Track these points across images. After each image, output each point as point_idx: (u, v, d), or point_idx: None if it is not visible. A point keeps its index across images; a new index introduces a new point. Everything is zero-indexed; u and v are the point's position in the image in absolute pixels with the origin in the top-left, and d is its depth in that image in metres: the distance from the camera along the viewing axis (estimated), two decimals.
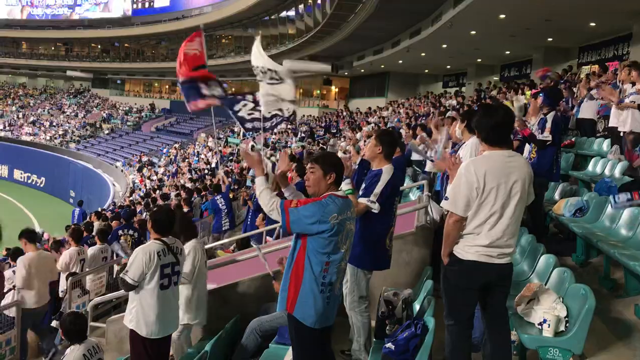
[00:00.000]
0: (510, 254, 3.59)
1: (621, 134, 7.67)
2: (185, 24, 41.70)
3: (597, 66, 13.92)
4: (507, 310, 3.80)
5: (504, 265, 3.57)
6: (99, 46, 52.80)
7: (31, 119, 47.99)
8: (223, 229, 12.04)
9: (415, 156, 9.92)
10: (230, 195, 13.32)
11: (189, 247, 5.28)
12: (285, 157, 4.09)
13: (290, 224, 3.48)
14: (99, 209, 19.36)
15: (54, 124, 47.03)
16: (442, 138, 6.57)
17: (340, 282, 3.67)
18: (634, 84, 7.62)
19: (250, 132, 28.11)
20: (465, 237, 3.56)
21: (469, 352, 3.74)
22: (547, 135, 6.28)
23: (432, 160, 7.65)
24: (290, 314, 3.56)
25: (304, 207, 3.47)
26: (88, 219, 15.98)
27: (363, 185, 4.55)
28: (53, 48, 53.88)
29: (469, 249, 3.54)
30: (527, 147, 6.63)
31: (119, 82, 55.78)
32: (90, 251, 8.94)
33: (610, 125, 8.31)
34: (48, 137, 43.97)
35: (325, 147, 21.21)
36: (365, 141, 13.40)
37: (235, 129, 36.25)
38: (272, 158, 20.40)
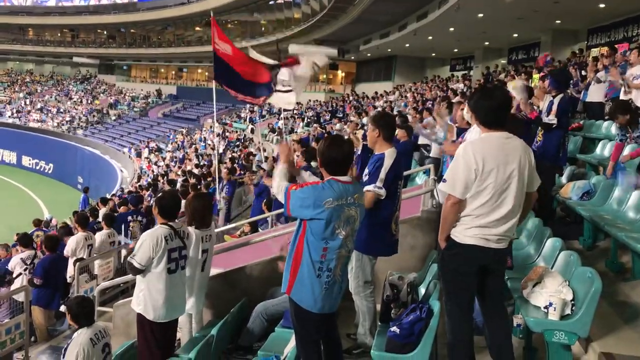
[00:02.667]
0: (509, 238, 3.57)
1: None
2: (192, 8, 41.55)
3: (606, 48, 13.74)
4: (502, 293, 3.81)
5: (501, 250, 3.55)
6: (105, 32, 52.73)
7: (38, 105, 48.13)
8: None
9: (422, 140, 9.87)
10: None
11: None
12: (284, 148, 4.02)
13: (290, 207, 3.51)
14: (107, 195, 19.43)
15: (61, 110, 47.15)
16: (444, 123, 6.53)
17: (342, 269, 3.61)
18: None
19: (257, 118, 28.15)
20: (463, 220, 3.52)
21: (471, 336, 3.73)
22: (552, 118, 6.23)
23: (440, 144, 7.60)
24: (289, 296, 3.61)
25: (301, 189, 3.49)
26: (95, 205, 16.04)
27: (366, 171, 4.50)
28: (59, 34, 53.87)
29: (467, 232, 3.51)
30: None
31: (125, 68, 55.78)
32: (99, 237, 8.99)
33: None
34: (55, 124, 44.11)
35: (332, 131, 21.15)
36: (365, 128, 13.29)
37: (242, 115, 36.23)
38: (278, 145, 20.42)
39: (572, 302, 3.86)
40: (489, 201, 3.45)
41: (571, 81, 10.37)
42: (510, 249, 3.72)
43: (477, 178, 3.42)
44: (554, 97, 6.48)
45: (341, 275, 3.64)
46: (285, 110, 9.16)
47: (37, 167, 40.63)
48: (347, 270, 3.76)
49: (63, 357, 4.51)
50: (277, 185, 3.64)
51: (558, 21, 19.60)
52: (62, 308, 7.67)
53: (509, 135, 3.54)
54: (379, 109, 22.50)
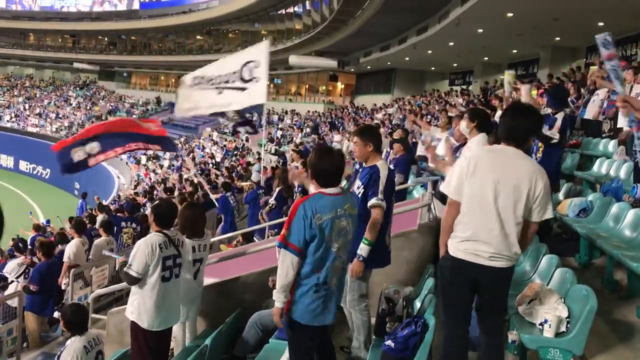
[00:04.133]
0: (507, 259, 3.42)
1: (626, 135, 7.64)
2: (193, 17, 41.72)
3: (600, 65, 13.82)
4: (499, 314, 3.65)
5: (496, 270, 3.42)
6: (106, 39, 52.86)
7: (37, 110, 48.10)
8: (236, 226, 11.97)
9: (419, 151, 9.90)
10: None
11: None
12: (298, 175, 4.01)
13: (301, 248, 3.44)
14: (102, 202, 19.38)
15: (60, 115, 47.13)
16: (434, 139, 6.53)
17: (338, 280, 3.59)
18: None
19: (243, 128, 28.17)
20: (456, 230, 3.49)
21: (463, 351, 3.64)
22: (554, 133, 6.23)
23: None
24: (285, 312, 3.55)
25: (290, 229, 3.45)
26: (92, 212, 16.00)
27: (359, 183, 4.47)
28: (60, 40, 53.99)
29: (457, 245, 3.47)
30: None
31: (125, 75, 55.82)
32: (97, 243, 8.96)
33: (618, 126, 8.27)
34: (54, 129, 44.07)
35: (331, 143, 21.21)
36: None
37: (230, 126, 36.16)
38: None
39: (568, 319, 3.85)
40: (472, 209, 3.40)
41: (569, 99, 10.41)
42: (509, 275, 3.52)
43: (467, 178, 3.42)
44: (554, 114, 6.51)
45: (338, 287, 3.62)
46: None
47: (35, 172, 40.54)
48: (344, 281, 3.74)
49: None
50: (280, 274, 3.52)
51: (557, 38, 19.72)
52: (56, 314, 7.63)
53: (519, 153, 3.46)
54: (378, 121, 22.57)
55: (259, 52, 8.52)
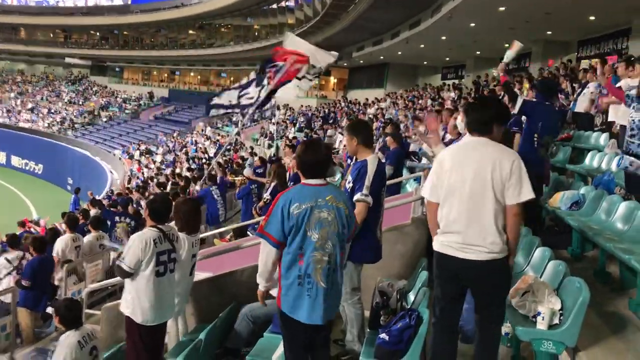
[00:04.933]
0: (481, 249, 3.41)
1: (618, 128, 7.68)
2: (185, 12, 41.55)
3: (597, 60, 13.89)
4: (493, 308, 3.61)
5: (474, 262, 3.43)
6: (98, 33, 52.57)
7: (29, 105, 47.84)
8: (220, 220, 12.00)
9: (412, 147, 9.92)
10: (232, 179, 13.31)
11: None
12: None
13: (278, 239, 3.48)
14: (96, 197, 19.31)
15: (52, 111, 46.89)
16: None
17: (325, 276, 3.48)
18: None
19: (248, 122, 28.14)
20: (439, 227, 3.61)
21: (450, 345, 3.68)
22: (518, 102, 6.24)
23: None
24: (277, 304, 3.58)
25: (269, 220, 3.50)
26: (85, 206, 15.96)
27: (349, 178, 4.49)
28: (52, 35, 53.65)
29: (437, 239, 3.60)
30: (517, 135, 6.61)
31: (117, 69, 55.55)
32: (87, 239, 8.94)
33: (609, 119, 8.32)
34: (46, 124, 43.87)
35: (324, 137, 21.21)
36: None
37: (234, 118, 36.17)
38: (272, 149, 20.43)
39: (560, 311, 3.88)
40: (445, 203, 3.52)
41: (558, 90, 10.44)
42: (497, 269, 3.49)
43: (437, 178, 3.56)
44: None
45: (327, 283, 3.49)
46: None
47: (27, 168, 40.39)
48: (335, 279, 3.59)
49: None
50: (260, 262, 3.60)
51: (549, 32, 19.76)
52: (50, 310, 7.61)
53: (485, 141, 3.55)
54: (370, 116, 22.58)
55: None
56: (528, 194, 3.42)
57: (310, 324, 3.52)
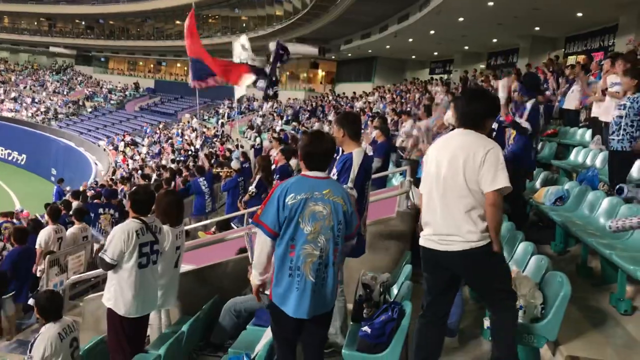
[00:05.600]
0: (458, 239, 3.41)
1: (602, 124, 7.73)
2: (172, 2, 41.14)
3: (583, 57, 13.99)
4: (488, 295, 3.66)
5: (454, 253, 3.43)
6: (83, 22, 51.95)
7: (12, 94, 47.24)
8: (206, 210, 11.99)
9: (398, 142, 9.93)
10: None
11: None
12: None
13: (273, 229, 3.42)
14: (80, 188, 19.14)
15: (36, 100, 46.35)
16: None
17: (315, 272, 3.41)
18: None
19: (235, 113, 28.05)
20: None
21: (434, 340, 3.70)
22: (525, 123, 6.28)
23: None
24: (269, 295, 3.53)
25: (265, 209, 3.44)
26: (66, 197, 15.80)
27: (334, 170, 4.45)
28: (36, 23, 52.94)
29: (422, 233, 3.63)
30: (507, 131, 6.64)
31: (102, 59, 55.01)
32: (71, 231, 8.86)
33: (592, 115, 8.37)
34: (30, 114, 43.36)
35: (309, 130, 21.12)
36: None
37: (220, 110, 36.00)
38: (257, 139, 20.35)
39: (542, 305, 3.90)
40: (424, 197, 3.56)
41: (542, 85, 10.49)
42: (479, 257, 3.45)
43: (424, 170, 3.62)
44: (525, 101, 6.56)
45: (316, 278, 3.42)
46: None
47: (10, 158, 39.92)
48: (326, 276, 3.48)
49: (30, 352, 4.44)
50: (255, 253, 3.55)
51: (537, 28, 19.87)
52: (31, 301, 7.53)
53: (467, 132, 3.54)
54: (358, 109, 22.56)
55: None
56: (503, 182, 3.37)
57: (298, 319, 3.45)
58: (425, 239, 3.55)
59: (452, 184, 3.42)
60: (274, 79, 10.94)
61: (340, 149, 4.80)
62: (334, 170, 4.48)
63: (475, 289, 3.67)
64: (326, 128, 19.87)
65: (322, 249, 3.44)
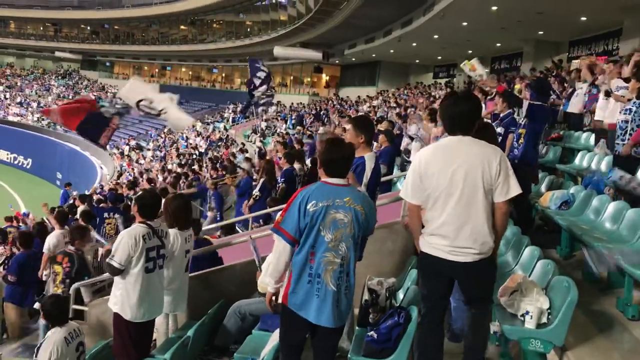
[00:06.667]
0: (470, 251, 3.37)
1: (606, 127, 7.72)
2: (177, 7, 41.32)
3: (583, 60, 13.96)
4: (482, 301, 3.61)
5: (462, 264, 3.39)
6: (89, 27, 52.16)
7: (18, 99, 47.41)
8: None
9: (403, 145, 9.94)
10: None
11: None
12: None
13: (294, 236, 3.42)
14: (86, 192, 19.18)
15: (42, 105, 46.45)
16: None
17: (336, 279, 3.43)
18: (627, 79, 7.52)
19: (239, 118, 28.13)
20: (425, 226, 3.52)
21: (436, 346, 3.66)
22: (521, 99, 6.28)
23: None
24: (282, 300, 3.52)
25: (286, 216, 3.43)
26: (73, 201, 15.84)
27: None
28: (42, 28, 53.16)
29: (425, 241, 3.51)
30: (511, 135, 6.63)
31: (108, 64, 55.23)
32: None
33: (596, 118, 8.34)
34: (35, 118, 43.49)
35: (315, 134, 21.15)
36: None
37: (225, 114, 36.08)
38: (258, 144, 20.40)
39: (549, 310, 3.89)
40: (434, 206, 3.42)
41: (551, 91, 10.47)
42: (484, 267, 3.45)
43: (421, 181, 3.43)
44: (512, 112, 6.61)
45: (337, 286, 3.44)
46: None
47: (16, 162, 40.03)
48: (347, 285, 3.51)
49: (36, 356, 4.46)
50: (272, 260, 3.55)
51: (541, 32, 19.84)
52: (37, 305, 7.55)
53: (469, 140, 3.44)
54: (362, 113, 22.56)
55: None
56: (515, 189, 3.37)
57: (308, 323, 3.47)
58: (433, 248, 3.45)
59: (472, 199, 3.34)
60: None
61: None
62: None
63: (468, 294, 3.60)
64: (338, 131, 19.89)
65: (343, 257, 3.45)
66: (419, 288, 3.77)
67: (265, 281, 3.57)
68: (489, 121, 6.84)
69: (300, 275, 3.43)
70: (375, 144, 8.65)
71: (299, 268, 3.44)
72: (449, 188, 3.36)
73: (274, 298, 3.58)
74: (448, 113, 3.53)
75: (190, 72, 51.69)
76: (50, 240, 8.23)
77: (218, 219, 11.91)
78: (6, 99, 47.74)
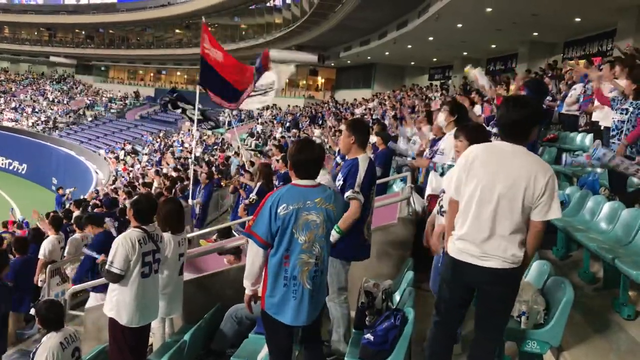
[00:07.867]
0: (502, 259, 3.26)
1: (602, 128, 7.73)
2: (172, 11, 41.36)
3: (584, 61, 14.01)
4: (494, 316, 3.46)
5: (494, 270, 3.27)
6: (83, 32, 52.13)
7: (13, 104, 47.29)
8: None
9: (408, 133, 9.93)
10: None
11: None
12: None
13: (265, 239, 3.42)
14: (80, 197, 19.12)
15: (37, 110, 46.40)
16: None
17: (312, 280, 3.46)
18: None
19: (235, 121, 28.10)
20: (455, 228, 3.41)
21: (447, 349, 3.62)
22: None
23: (413, 158, 7.67)
24: (261, 305, 3.54)
25: (257, 220, 3.45)
26: (69, 207, 15.80)
27: (339, 176, 4.47)
28: (36, 33, 53.09)
29: (453, 243, 3.40)
30: None
31: (103, 69, 55.15)
32: (74, 238, 8.82)
33: (592, 119, 8.37)
34: (30, 123, 43.39)
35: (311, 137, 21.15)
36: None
37: (221, 118, 36.04)
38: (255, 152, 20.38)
39: (545, 311, 3.89)
40: (468, 210, 3.30)
41: (547, 93, 10.50)
42: (509, 279, 3.34)
43: (466, 178, 3.31)
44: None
45: (313, 285, 3.47)
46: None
47: (11, 167, 39.90)
48: (321, 281, 3.59)
49: None
50: (248, 262, 3.54)
51: (535, 33, 19.91)
52: (32, 311, 7.52)
53: (522, 151, 3.29)
54: (358, 116, 22.58)
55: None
56: (556, 213, 3.26)
57: (289, 326, 3.49)
58: (462, 252, 3.33)
59: (509, 210, 3.22)
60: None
61: (344, 155, 4.82)
62: (340, 176, 4.49)
63: (483, 308, 3.50)
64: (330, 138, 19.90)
65: (317, 256, 3.48)
66: (438, 291, 3.66)
67: (244, 284, 3.58)
68: (483, 124, 6.84)
69: (275, 279, 3.45)
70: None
71: (274, 272, 3.45)
72: (489, 195, 3.24)
73: (252, 300, 3.61)
74: (502, 121, 3.41)
75: (186, 76, 51.62)
76: (45, 246, 8.22)
77: (198, 213, 11.96)
78: (1, 104, 47.57)
